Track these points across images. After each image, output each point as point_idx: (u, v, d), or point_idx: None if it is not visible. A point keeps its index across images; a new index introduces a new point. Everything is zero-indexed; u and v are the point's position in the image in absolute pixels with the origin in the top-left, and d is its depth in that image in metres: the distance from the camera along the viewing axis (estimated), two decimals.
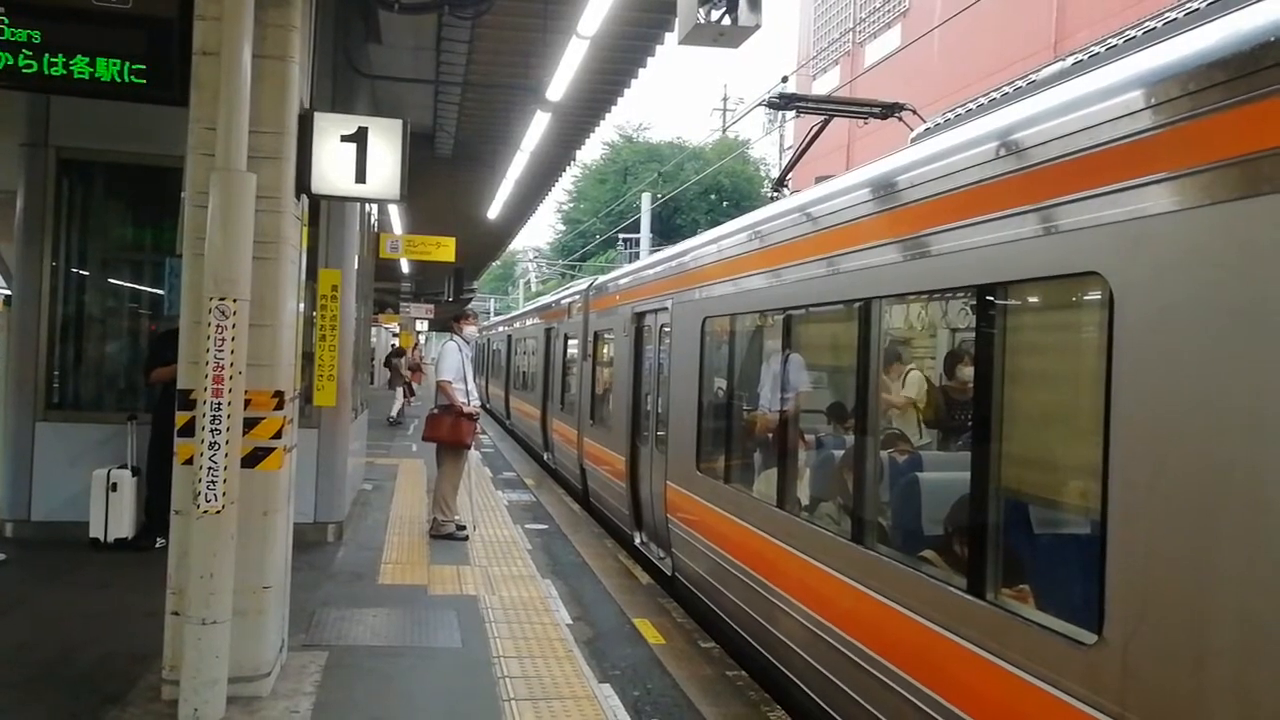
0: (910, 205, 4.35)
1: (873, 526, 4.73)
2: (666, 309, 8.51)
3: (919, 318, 5.03)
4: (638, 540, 9.45)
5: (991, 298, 3.79)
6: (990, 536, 3.71)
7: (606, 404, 11.59)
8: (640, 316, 9.76)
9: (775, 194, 7.74)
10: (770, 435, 6.29)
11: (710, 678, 6.04)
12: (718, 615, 6.79)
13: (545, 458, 16.68)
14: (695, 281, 7.75)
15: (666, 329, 8.56)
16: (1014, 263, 3.57)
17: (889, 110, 7.31)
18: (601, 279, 13.48)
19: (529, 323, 20.83)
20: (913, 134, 5.21)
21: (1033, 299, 3.86)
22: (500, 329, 29.04)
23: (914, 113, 7.09)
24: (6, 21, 4.50)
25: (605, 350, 12.07)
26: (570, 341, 14.59)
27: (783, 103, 7.69)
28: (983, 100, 4.56)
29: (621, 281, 11.44)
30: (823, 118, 7.81)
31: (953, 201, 3.98)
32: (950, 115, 4.83)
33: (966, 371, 4.20)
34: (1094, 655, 3.04)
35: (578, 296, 14.09)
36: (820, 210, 5.38)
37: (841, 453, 5.32)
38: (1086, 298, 3.45)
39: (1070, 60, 3.97)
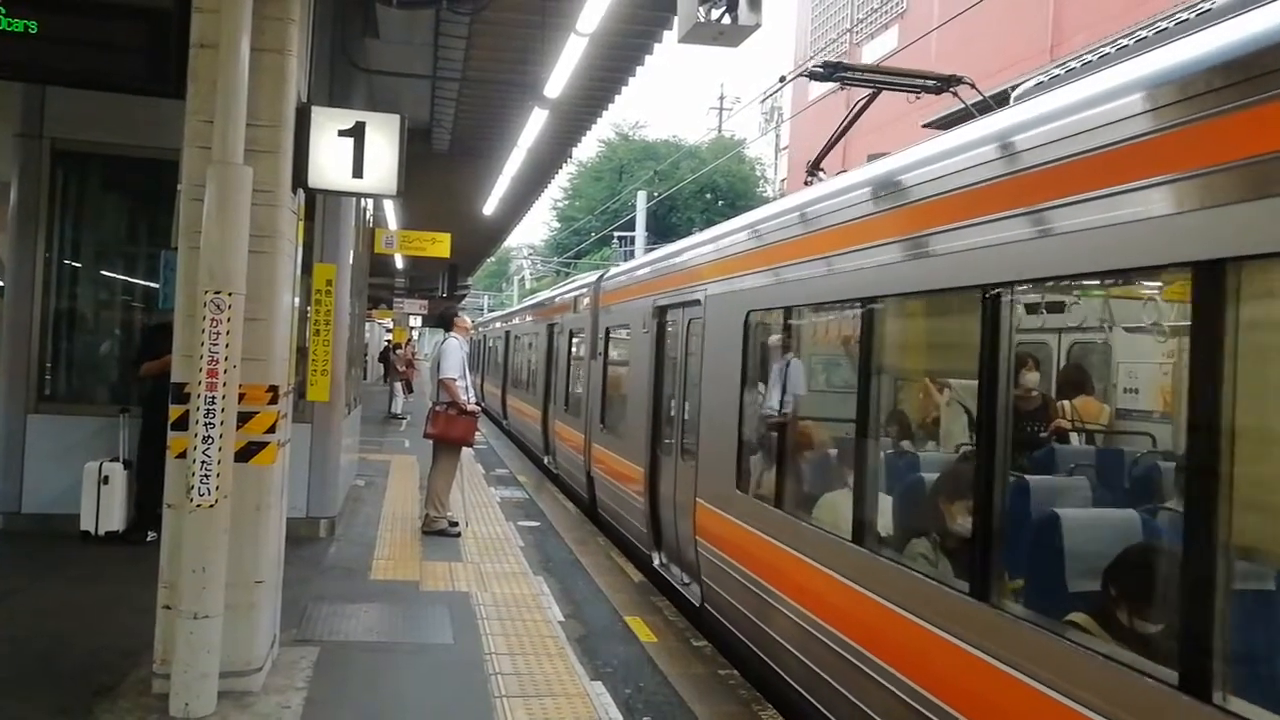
0: (1088, 156, 3.21)
1: (999, 577, 3.61)
2: (698, 302, 7.40)
3: (1095, 309, 4.08)
4: (656, 561, 8.40)
5: (1220, 281, 2.67)
6: (1196, 600, 2.68)
7: (620, 408, 10.45)
8: (663, 311, 8.70)
9: (810, 178, 6.97)
10: (846, 455, 5.16)
11: (702, 676, 6.04)
12: (768, 666, 5.66)
13: (546, 461, 15.51)
14: (738, 270, 6.67)
15: (697, 324, 7.50)
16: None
17: (945, 83, 6.54)
18: (614, 270, 12.30)
19: (529, 318, 19.67)
20: (1016, 92, 4.41)
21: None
22: (497, 325, 27.91)
23: (972, 86, 6.44)
24: (4, 12, 4.48)
25: (619, 348, 10.98)
26: (576, 338, 13.56)
27: (826, 72, 6.72)
28: (1075, 65, 4.00)
29: (640, 272, 10.19)
30: (870, 91, 6.91)
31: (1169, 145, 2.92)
32: (1045, 79, 4.19)
33: (1161, 379, 3.52)
34: None
35: (586, 290, 12.98)
36: (932, 173, 4.21)
37: (949, 482, 4.31)
38: None
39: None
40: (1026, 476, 4.03)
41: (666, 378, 8.63)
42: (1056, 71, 4.14)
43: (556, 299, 16.31)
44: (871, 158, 5.41)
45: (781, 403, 6.01)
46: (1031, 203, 3.44)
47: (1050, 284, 3.62)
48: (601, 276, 12.38)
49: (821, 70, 6.72)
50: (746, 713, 5.52)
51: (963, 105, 6.59)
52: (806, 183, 6.91)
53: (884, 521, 4.69)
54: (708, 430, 7.03)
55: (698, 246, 8.05)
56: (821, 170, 7.02)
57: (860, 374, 4.75)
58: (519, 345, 21.12)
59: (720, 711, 5.50)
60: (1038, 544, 3.67)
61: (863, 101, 6.93)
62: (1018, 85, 4.45)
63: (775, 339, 6.29)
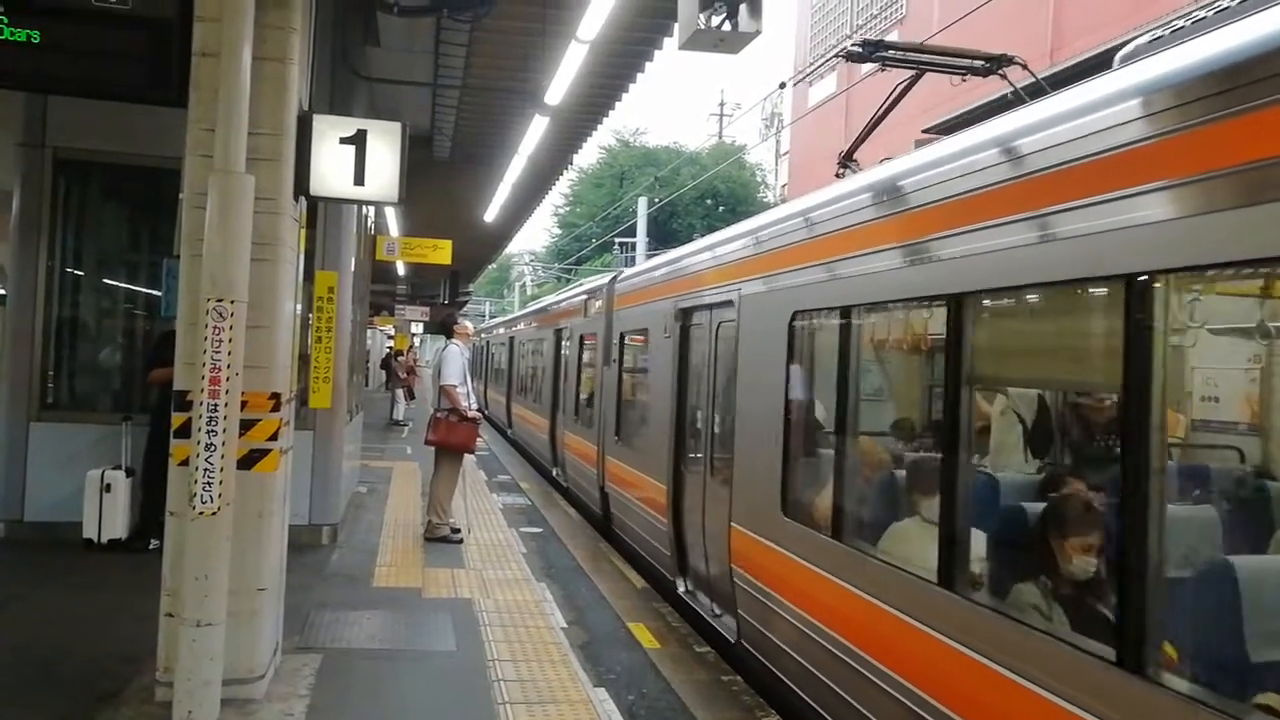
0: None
1: (1152, 641, 2.86)
2: (730, 303, 6.61)
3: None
4: (681, 588, 7.67)
5: None
6: None
7: (638, 419, 9.72)
8: (687, 313, 7.93)
9: (843, 170, 6.36)
10: (923, 478, 4.40)
11: (705, 682, 6.03)
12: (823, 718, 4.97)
13: (554, 474, 14.72)
14: (781, 265, 5.84)
15: (729, 327, 6.75)
16: None
17: (994, 63, 5.99)
18: (630, 271, 11.52)
19: (536, 323, 18.69)
20: (1121, 53, 3.85)
21: None
22: (501, 330, 27.07)
23: (1023, 67, 5.95)
24: (6, 21, 4.49)
25: (635, 354, 10.25)
26: (587, 343, 12.77)
27: (865, 52, 6.12)
28: (1183, 23, 3.53)
29: (660, 272, 9.30)
30: (912, 73, 6.30)
31: None
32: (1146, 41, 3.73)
33: None
34: None
35: (597, 292, 12.15)
36: (1044, 140, 3.49)
37: (1075, 516, 3.58)
38: None
39: None
40: (1189, 510, 3.34)
41: (691, 387, 7.91)
42: (1160, 32, 3.69)
43: (564, 303, 15.62)
44: (921, 139, 5.01)
45: (843, 416, 5.05)
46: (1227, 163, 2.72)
47: (1230, 271, 2.89)
48: (615, 278, 11.55)
49: (860, 50, 6.16)
50: (749, 718, 5.51)
51: (1011, 89, 5.97)
52: (838, 175, 6.29)
53: (978, 560, 3.92)
54: (744, 446, 6.27)
55: (729, 242, 7.18)
56: (854, 162, 6.41)
57: (953, 382, 4.00)
58: (525, 351, 20.37)
59: (723, 717, 5.49)
60: (1206, 599, 2.94)
61: (904, 84, 6.22)
62: (1125, 44, 3.91)
63: (829, 343, 5.37)
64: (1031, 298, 3.85)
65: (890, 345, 5.19)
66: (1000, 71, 6.01)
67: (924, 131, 12.03)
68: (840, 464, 5.08)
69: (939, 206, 4.14)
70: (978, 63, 6.09)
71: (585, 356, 12.91)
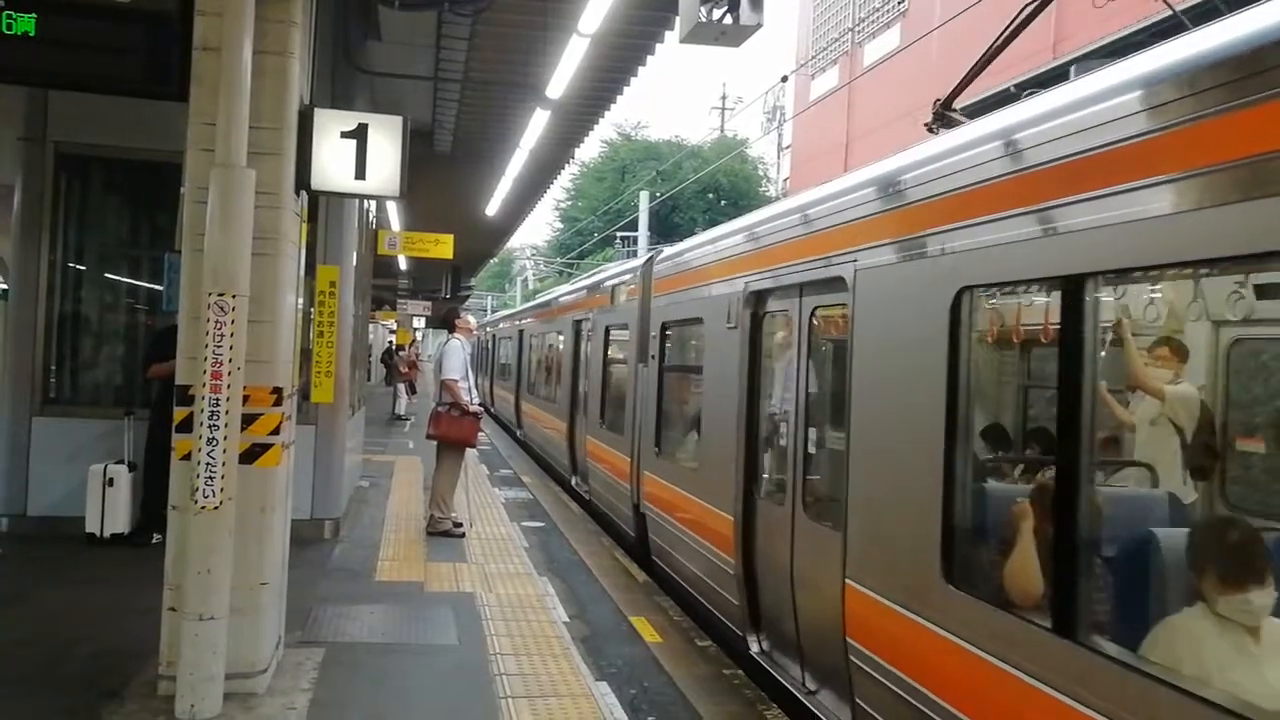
0: None
1: None
2: (838, 280, 4.92)
3: None
4: (754, 648, 6.08)
5: None
6: None
7: (688, 428, 8.20)
8: (762, 297, 6.28)
9: (936, 125, 5.25)
10: (1251, 554, 3.01)
11: (707, 676, 6.04)
12: None
13: (573, 483, 13.16)
14: (938, 221, 4.04)
15: (835, 313, 5.34)
16: None
17: None
18: (672, 250, 9.41)
19: (550, 314, 16.96)
20: None
21: None
22: (508, 324, 25.30)
23: None
24: (5, 15, 4.48)
25: (684, 348, 8.72)
26: (615, 335, 11.25)
27: None
28: None
29: (718, 247, 7.34)
30: None
31: None
32: None
33: None
34: None
35: (630, 276, 10.42)
36: None
37: None
38: None
39: None
40: None
41: (768, 391, 6.25)
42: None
43: (586, 290, 13.72)
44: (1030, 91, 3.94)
45: (1072, 442, 3.21)
46: None
47: None
48: (651, 259, 9.81)
49: None
50: (751, 713, 5.52)
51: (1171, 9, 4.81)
52: (929, 128, 5.23)
53: None
54: (867, 476, 4.61)
55: (836, 198, 5.16)
56: (952, 111, 5.29)
57: None
58: (537, 345, 18.48)
59: (725, 711, 5.49)
60: None
61: (1032, 6, 5.16)
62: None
63: (1035, 330, 3.81)
64: None
65: (1168, 334, 3.62)
66: None
67: (926, 125, 12.00)
68: (1069, 518, 3.18)
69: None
70: None
71: (613, 352, 11.40)
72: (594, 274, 14.88)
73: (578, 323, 13.60)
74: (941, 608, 3.83)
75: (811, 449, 5.51)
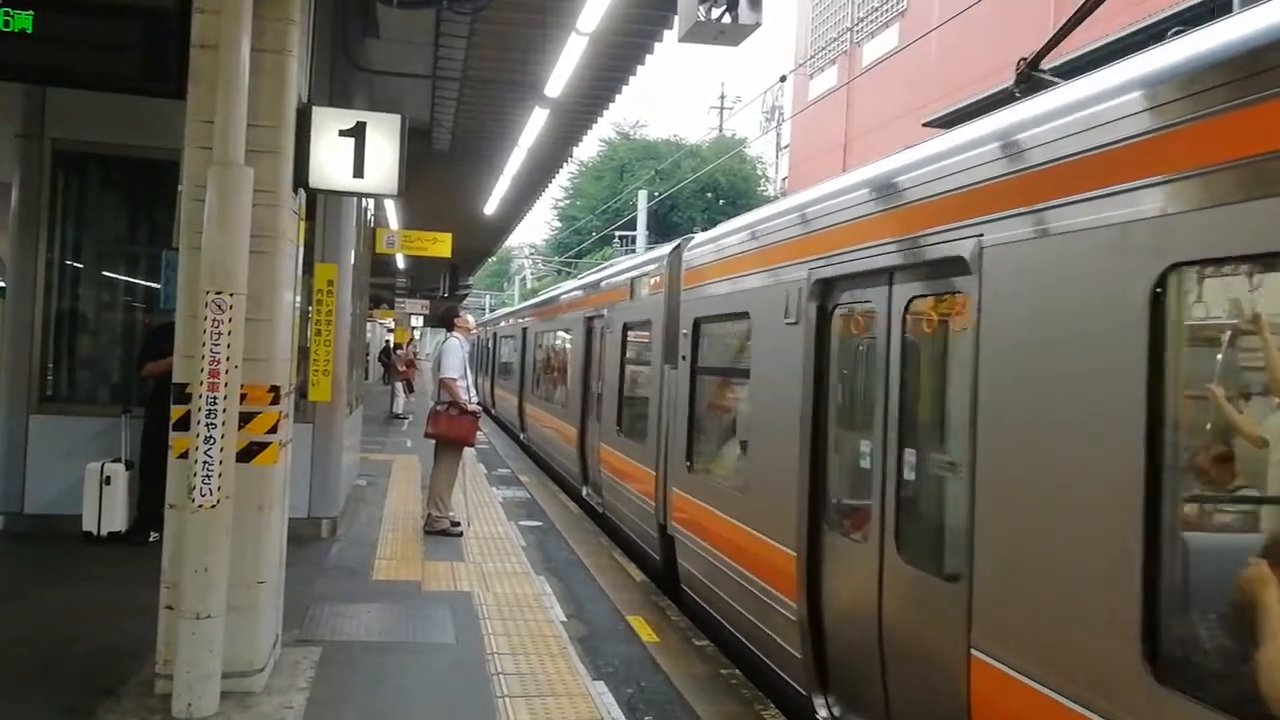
0: None
1: None
2: (957, 262, 3.84)
3: None
4: (824, 715, 4.98)
5: None
6: None
7: (731, 442, 7.11)
8: (829, 286, 5.18)
9: (1021, 89, 4.20)
10: None
11: (704, 676, 6.04)
12: None
13: (584, 494, 12.13)
14: (1124, 179, 2.95)
15: (940, 304, 4.30)
16: None
17: None
18: (708, 234, 8.01)
19: (559, 310, 15.79)
20: None
21: None
22: (509, 322, 24.15)
23: None
24: (4, 12, 4.48)
25: (725, 348, 7.46)
26: (634, 334, 10.13)
27: None
28: None
29: (777, 224, 6.04)
30: None
31: None
32: None
33: None
34: None
35: (654, 266, 9.29)
36: None
37: None
38: None
39: None
40: None
41: (842, 401, 5.22)
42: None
43: (602, 283, 12.50)
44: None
45: None
46: None
47: None
48: (680, 245, 8.60)
49: None
50: (749, 712, 5.52)
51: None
52: (1013, 94, 4.27)
53: None
54: (1010, 515, 3.47)
55: (949, 158, 4.02)
56: (1041, 72, 4.32)
57: None
58: (543, 344, 17.34)
59: (723, 710, 5.49)
60: None
61: None
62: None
63: None
64: None
65: None
66: None
67: (924, 125, 12.02)
68: None
69: None
70: None
71: (632, 352, 10.26)
72: (606, 266, 13.77)
73: (590, 320, 12.49)
74: (1141, 713, 2.71)
75: (910, 473, 4.35)
